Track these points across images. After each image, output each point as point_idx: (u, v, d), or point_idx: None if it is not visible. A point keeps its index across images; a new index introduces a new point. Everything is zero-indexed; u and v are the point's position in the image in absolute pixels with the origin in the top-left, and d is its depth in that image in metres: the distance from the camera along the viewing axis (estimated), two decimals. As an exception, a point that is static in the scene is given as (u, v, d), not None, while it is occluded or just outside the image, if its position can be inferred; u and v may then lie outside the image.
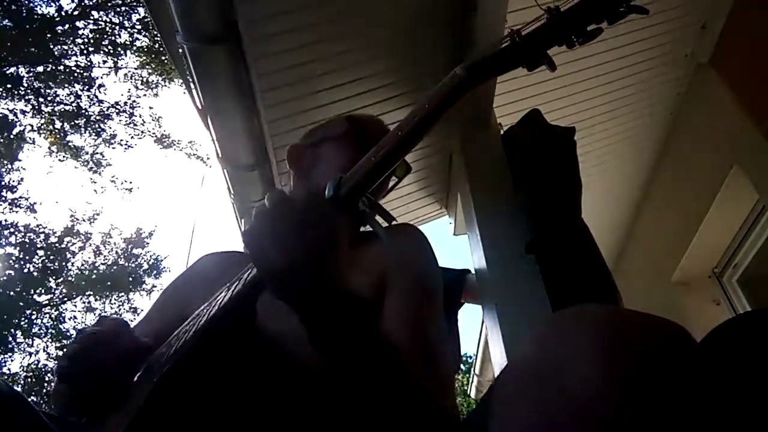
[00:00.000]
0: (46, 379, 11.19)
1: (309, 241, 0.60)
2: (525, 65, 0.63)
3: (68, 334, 12.42)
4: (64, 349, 0.79)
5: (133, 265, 13.34)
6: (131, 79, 11.87)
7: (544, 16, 0.61)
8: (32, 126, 11.56)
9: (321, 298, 0.62)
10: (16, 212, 11.52)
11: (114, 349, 0.75)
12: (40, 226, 11.98)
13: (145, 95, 12.15)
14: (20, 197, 11.49)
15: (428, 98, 0.65)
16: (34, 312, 12.09)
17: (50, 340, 12.29)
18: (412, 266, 0.88)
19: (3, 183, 11.23)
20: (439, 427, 0.65)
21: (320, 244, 0.61)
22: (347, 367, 0.65)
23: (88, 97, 11.60)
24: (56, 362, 0.82)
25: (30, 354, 12.00)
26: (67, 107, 11.53)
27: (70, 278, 12.62)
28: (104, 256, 13.28)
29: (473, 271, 1.78)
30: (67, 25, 10.84)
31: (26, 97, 11.11)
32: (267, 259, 0.60)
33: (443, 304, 0.92)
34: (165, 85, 11.96)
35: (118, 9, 11.04)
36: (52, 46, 10.83)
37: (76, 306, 12.84)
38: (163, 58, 10.79)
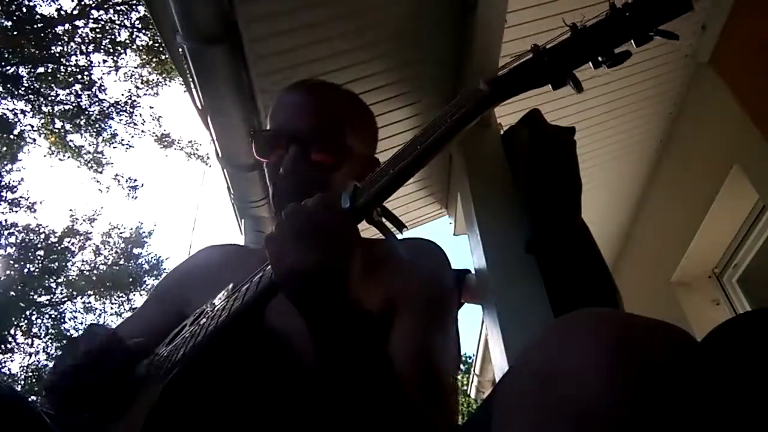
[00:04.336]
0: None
1: (328, 248, 0.61)
2: (550, 84, 0.61)
3: (68, 334, 12.43)
4: (56, 360, 0.75)
5: (134, 265, 13.35)
6: (131, 78, 11.90)
7: (567, 32, 0.59)
8: (32, 126, 11.58)
9: (334, 305, 0.62)
10: (16, 212, 11.53)
11: (107, 367, 0.72)
12: (40, 226, 12.00)
13: (145, 94, 12.17)
14: (20, 197, 11.50)
15: (449, 112, 0.63)
16: (34, 312, 12.09)
17: (50, 340, 12.29)
18: (426, 285, 0.86)
19: (3, 183, 11.23)
20: None
21: (338, 251, 0.61)
22: (343, 378, 0.64)
23: (89, 96, 11.61)
24: (48, 373, 0.78)
25: (30, 354, 12.02)
26: (67, 107, 11.54)
27: (70, 278, 12.62)
28: (104, 256, 13.30)
29: (473, 271, 1.78)
30: (67, 25, 10.84)
31: (26, 97, 11.11)
32: (286, 263, 0.61)
33: None
34: (165, 84, 11.97)
35: (118, 9, 11.04)
36: (52, 47, 10.83)
37: (76, 306, 12.86)
38: (163, 57, 10.79)
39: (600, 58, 0.59)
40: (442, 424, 0.71)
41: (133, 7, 10.90)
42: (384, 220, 0.66)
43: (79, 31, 11.07)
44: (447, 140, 0.63)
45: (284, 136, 0.91)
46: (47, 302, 12.36)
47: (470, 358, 7.92)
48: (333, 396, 0.67)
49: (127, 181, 12.62)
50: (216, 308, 0.76)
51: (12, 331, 11.60)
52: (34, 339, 12.14)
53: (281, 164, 0.89)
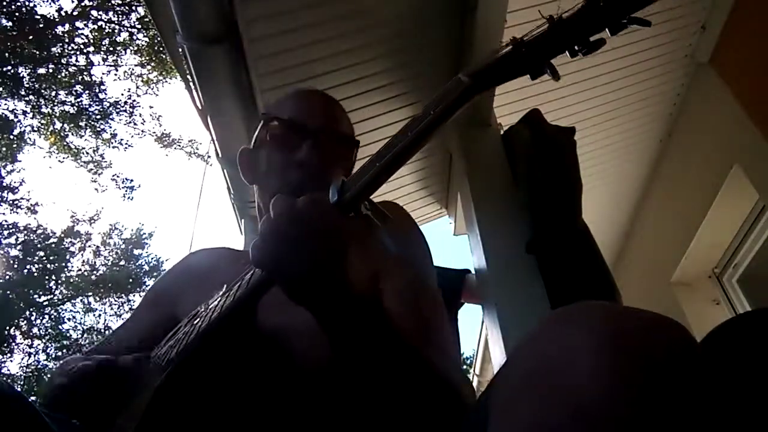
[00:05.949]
0: (46, 379, 11.17)
1: (323, 249, 0.61)
2: (529, 74, 0.63)
3: (68, 334, 12.44)
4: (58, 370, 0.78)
5: (134, 266, 13.34)
6: (131, 77, 11.89)
7: (545, 24, 0.60)
8: (32, 126, 11.58)
9: (338, 301, 0.63)
10: (17, 213, 11.53)
11: (103, 389, 0.73)
12: (41, 227, 12.00)
13: (145, 94, 12.17)
14: (21, 198, 11.51)
15: (432, 105, 0.64)
16: (34, 312, 12.09)
17: (50, 340, 12.29)
18: (405, 253, 0.91)
19: (3, 184, 11.23)
20: (449, 407, 0.66)
21: (333, 249, 0.62)
22: (359, 359, 0.66)
23: (89, 95, 11.60)
24: (50, 385, 0.81)
25: (30, 354, 12.02)
26: (67, 107, 11.54)
27: (70, 279, 12.62)
28: (104, 257, 13.29)
29: (473, 271, 1.78)
30: (67, 25, 10.85)
31: (26, 98, 11.11)
32: (282, 267, 0.61)
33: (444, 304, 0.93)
34: (166, 81, 11.95)
35: (118, 9, 11.04)
36: (52, 47, 10.83)
37: (76, 306, 12.86)
38: (163, 56, 10.79)
39: (576, 47, 0.60)
40: (442, 363, 0.73)
41: (133, 8, 10.91)
42: (371, 213, 0.67)
43: (80, 31, 11.08)
44: (431, 132, 0.64)
45: (301, 127, 0.94)
46: (47, 302, 12.36)
47: (470, 358, 7.93)
48: (349, 378, 0.68)
49: (123, 181, 12.61)
50: (209, 308, 0.76)
51: (12, 331, 11.60)
52: (34, 339, 12.14)
53: (292, 155, 0.93)
